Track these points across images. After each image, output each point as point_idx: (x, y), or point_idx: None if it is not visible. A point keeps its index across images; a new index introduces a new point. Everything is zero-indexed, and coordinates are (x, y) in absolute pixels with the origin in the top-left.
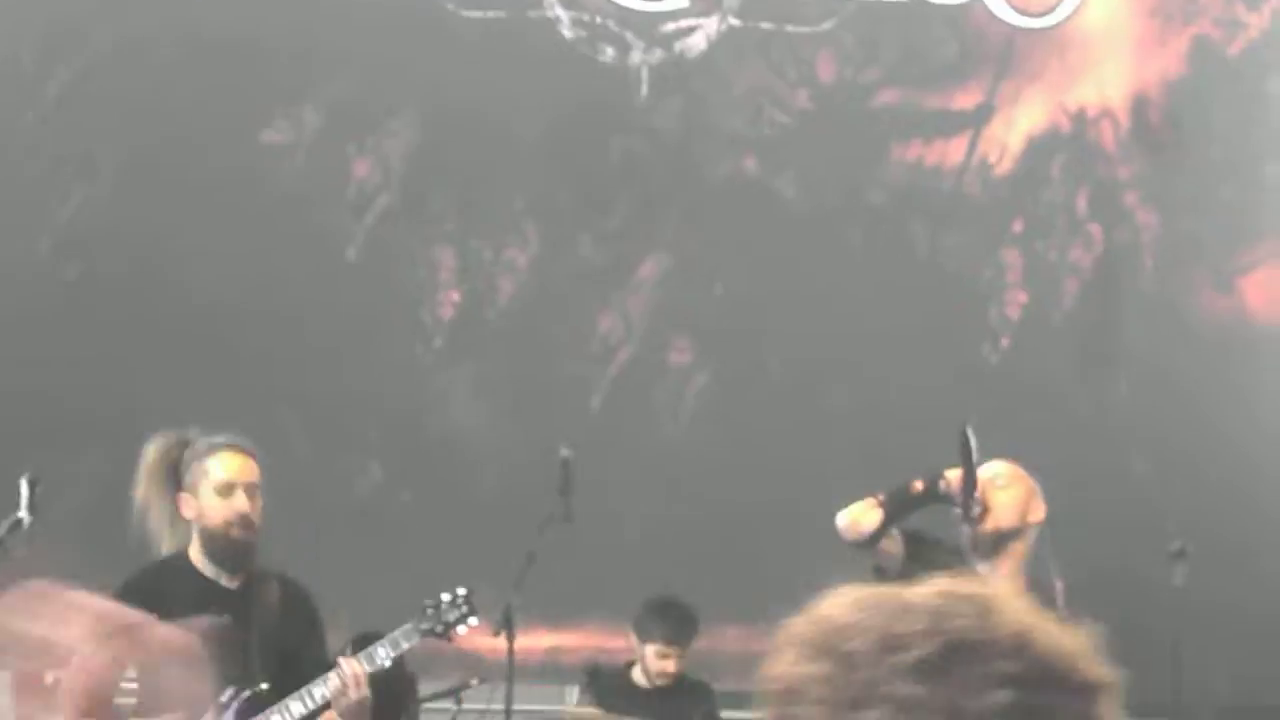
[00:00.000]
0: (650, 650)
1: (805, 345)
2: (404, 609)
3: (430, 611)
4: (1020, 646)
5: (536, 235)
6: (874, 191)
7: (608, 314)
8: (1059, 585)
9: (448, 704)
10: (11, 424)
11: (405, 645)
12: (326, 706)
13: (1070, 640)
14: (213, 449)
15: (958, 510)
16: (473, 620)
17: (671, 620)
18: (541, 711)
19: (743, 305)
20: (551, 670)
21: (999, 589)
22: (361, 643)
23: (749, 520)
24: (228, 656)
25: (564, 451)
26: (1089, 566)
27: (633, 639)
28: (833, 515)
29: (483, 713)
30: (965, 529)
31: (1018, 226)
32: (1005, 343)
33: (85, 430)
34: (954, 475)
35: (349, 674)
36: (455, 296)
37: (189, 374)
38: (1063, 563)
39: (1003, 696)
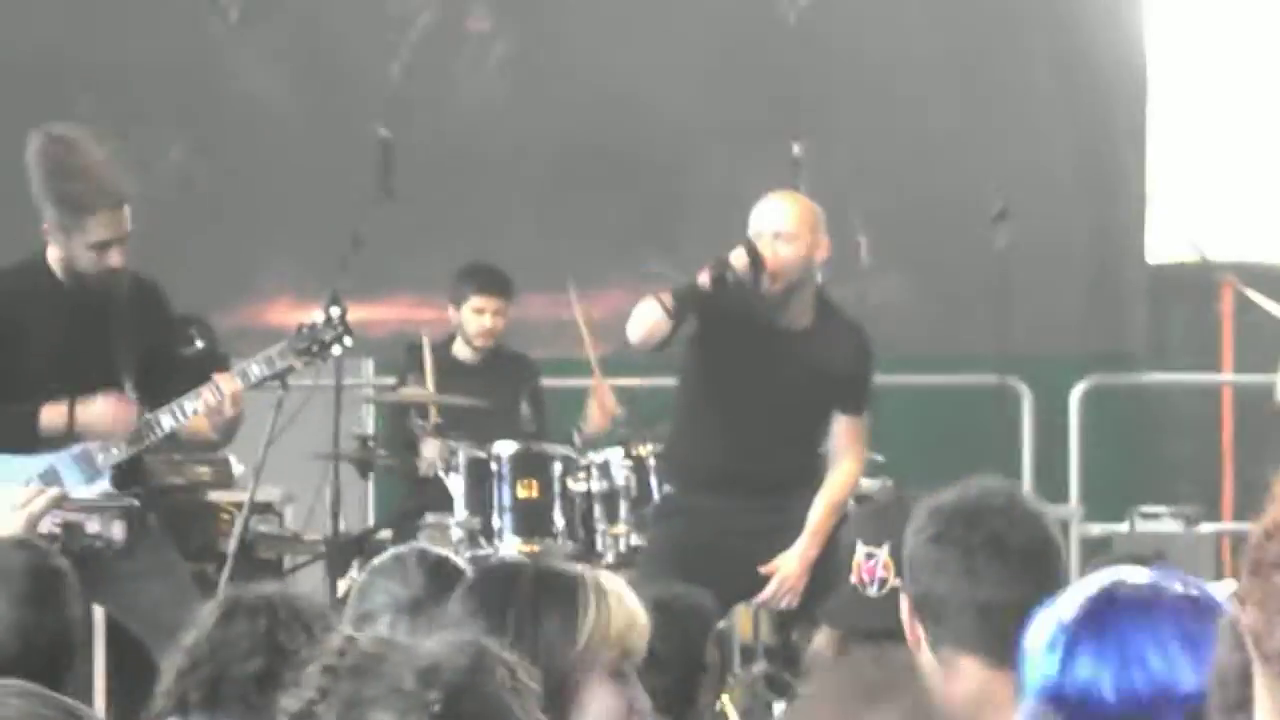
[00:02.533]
0: (468, 309)
1: (605, 8)
2: (222, 292)
3: (305, 331)
4: None
5: None
6: None
7: None
8: (861, 242)
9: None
10: None
11: (280, 365)
12: None
13: None
14: (90, 207)
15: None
16: (348, 341)
17: (485, 274)
18: (359, 386)
19: None
20: (358, 344)
21: None
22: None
23: (554, 189)
24: (87, 366)
25: (383, 132)
26: (909, 227)
27: (449, 309)
28: (634, 183)
29: (310, 389)
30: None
31: None
32: (803, 0)
33: None
34: (737, 257)
35: (225, 390)
36: None
37: None
38: (867, 220)
39: None
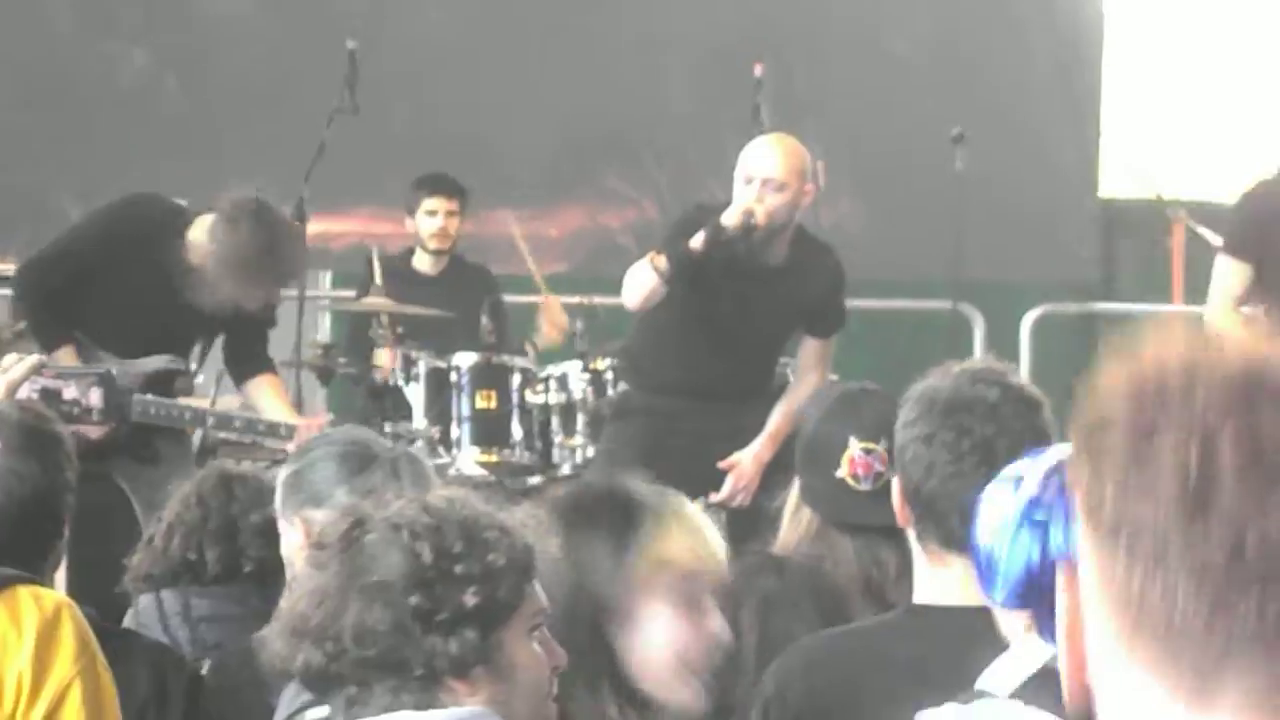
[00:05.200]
0: (421, 213)
1: None
2: (187, 202)
3: None
4: None
5: None
6: None
7: None
8: (819, 165)
9: None
10: None
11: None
12: None
13: None
14: None
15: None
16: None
17: (435, 177)
18: (319, 298)
19: None
20: (317, 256)
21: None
22: None
23: (519, 106)
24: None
25: (350, 43)
26: (866, 151)
27: (406, 220)
28: (605, 99)
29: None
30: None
31: None
32: None
33: None
34: (729, 216)
35: None
36: None
37: None
38: (825, 142)
39: None
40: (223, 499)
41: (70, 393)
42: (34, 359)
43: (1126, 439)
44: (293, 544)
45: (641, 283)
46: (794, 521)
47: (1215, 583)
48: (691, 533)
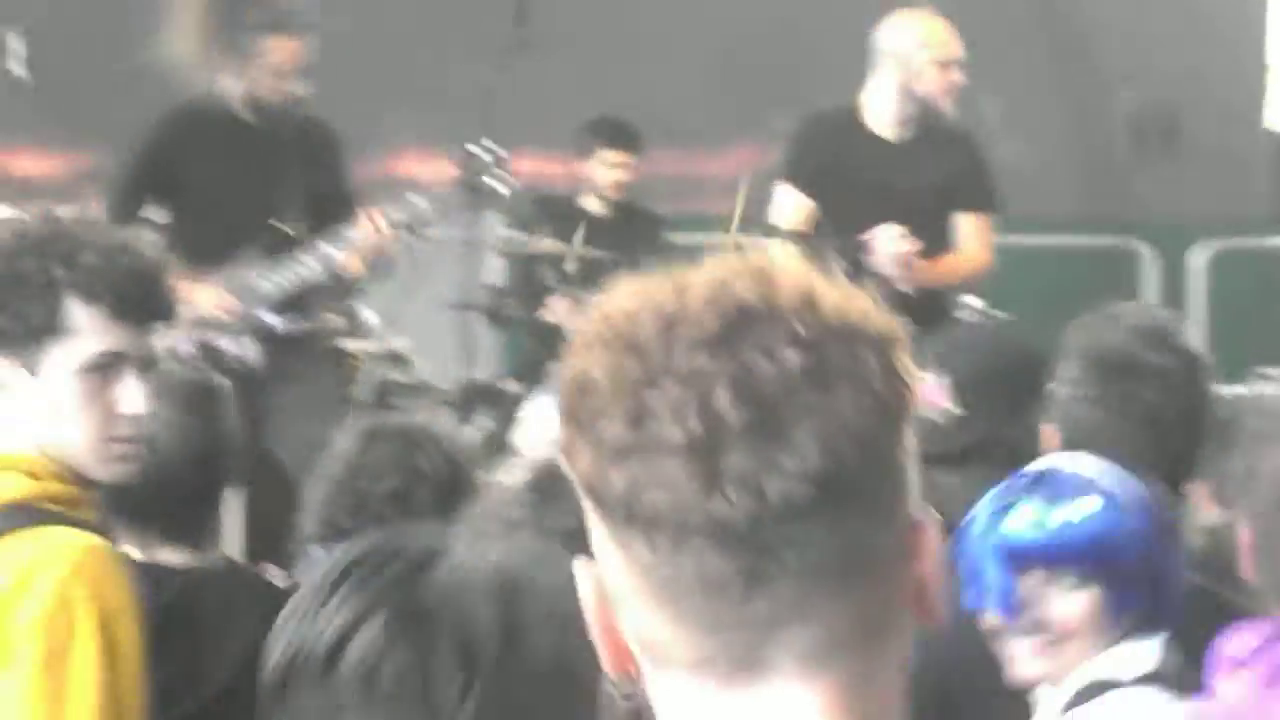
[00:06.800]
0: (596, 162)
1: None
2: (349, 141)
3: (470, 163)
4: (806, 307)
5: None
6: None
7: None
8: (991, 103)
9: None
10: None
11: (447, 201)
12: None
13: (858, 298)
14: (271, 29)
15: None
16: (507, 175)
17: (613, 126)
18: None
19: None
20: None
21: (779, 258)
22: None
23: (686, 40)
24: (256, 199)
25: None
26: (1036, 88)
27: (578, 162)
28: (767, 36)
29: (440, 240)
30: None
31: None
32: None
33: None
34: (888, 266)
35: (381, 221)
36: None
37: None
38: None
39: (792, 356)
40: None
41: (228, 346)
42: (212, 296)
43: (615, 400)
44: None
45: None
46: None
47: (745, 550)
48: None
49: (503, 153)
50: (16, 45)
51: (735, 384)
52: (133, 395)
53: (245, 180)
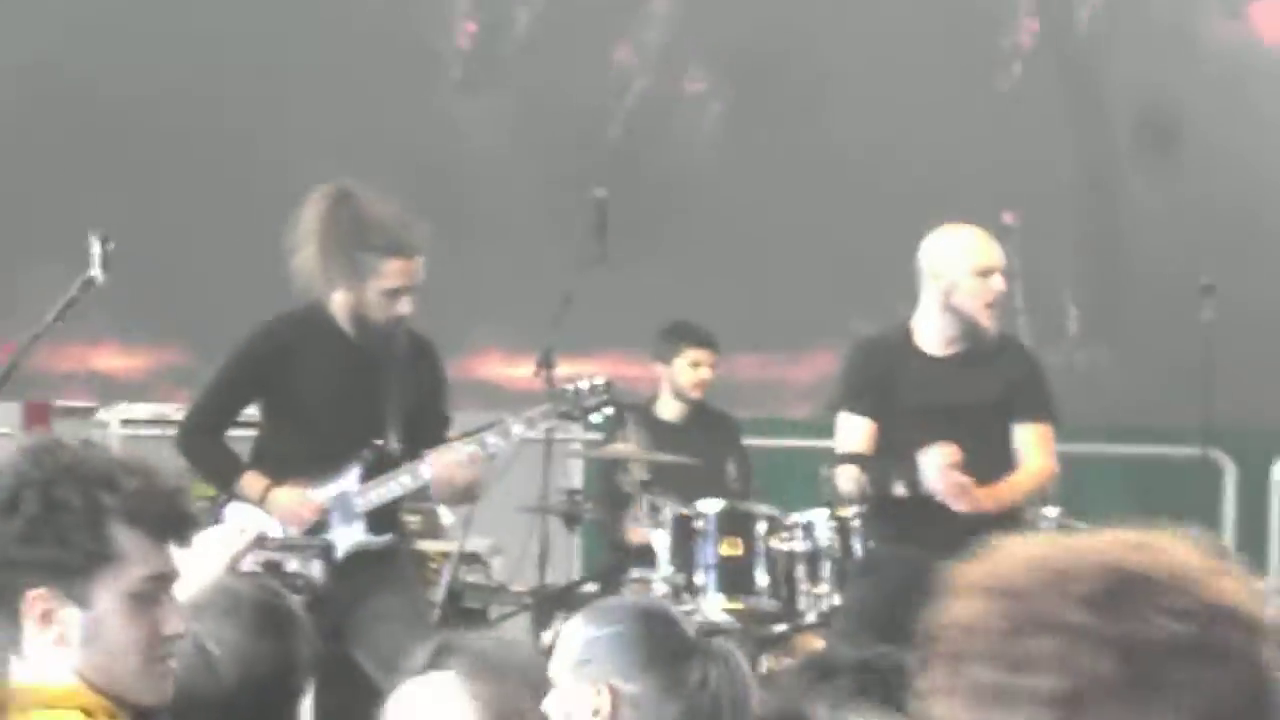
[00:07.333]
0: (682, 363)
1: (817, 71)
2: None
3: (570, 394)
4: (1190, 583)
5: None
6: None
7: (623, 44)
8: (1071, 311)
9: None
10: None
11: (541, 425)
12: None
13: (1237, 584)
14: (389, 252)
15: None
16: (608, 410)
17: (695, 328)
18: (567, 441)
19: (756, 33)
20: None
21: (1168, 537)
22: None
23: (766, 248)
24: (358, 415)
25: (598, 192)
26: (1117, 297)
27: (656, 366)
28: (846, 244)
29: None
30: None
31: None
32: (1017, 70)
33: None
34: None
35: (458, 457)
36: (471, 27)
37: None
38: (1077, 289)
39: (1178, 629)
40: None
41: (292, 565)
42: (256, 529)
43: (995, 645)
44: (580, 702)
45: (847, 489)
46: None
47: None
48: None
49: (601, 382)
50: (96, 249)
51: (1118, 644)
52: (175, 616)
53: (349, 395)
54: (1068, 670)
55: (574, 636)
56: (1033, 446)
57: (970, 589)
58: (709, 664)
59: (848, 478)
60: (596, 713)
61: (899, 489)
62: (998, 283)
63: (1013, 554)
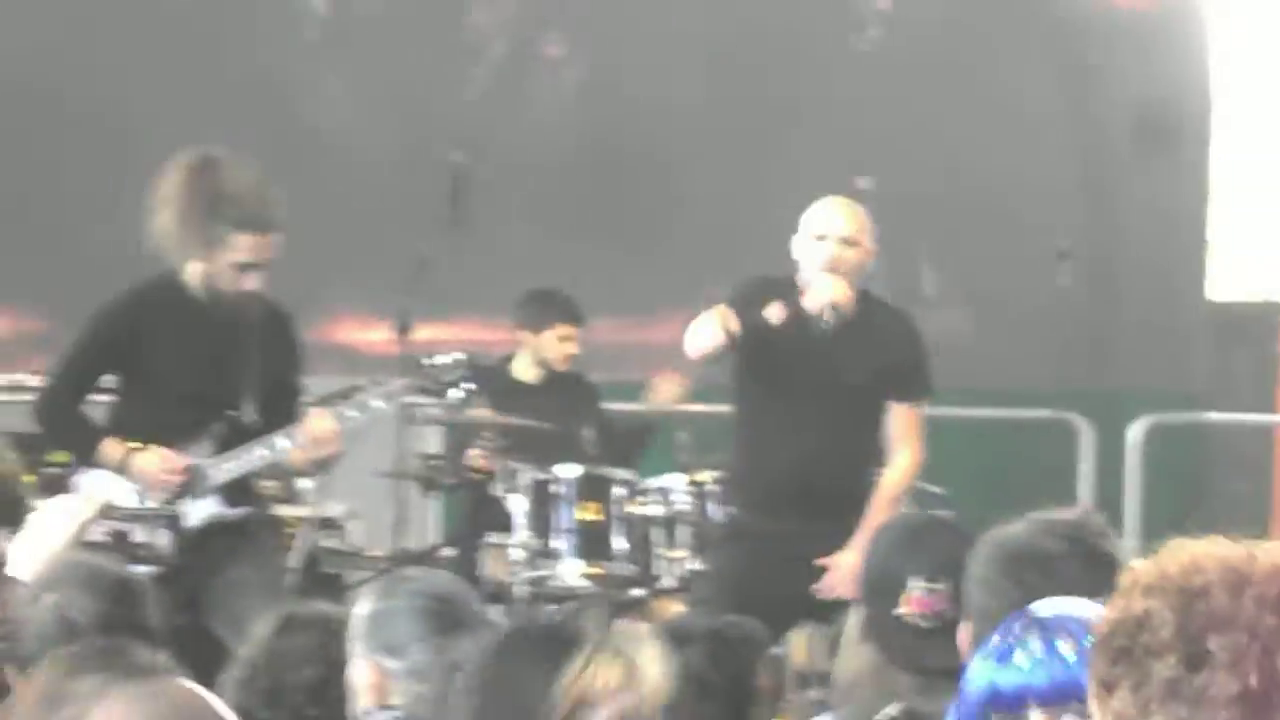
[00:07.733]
0: (551, 336)
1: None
2: (289, 309)
3: (429, 369)
4: None
5: None
6: None
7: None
8: (925, 274)
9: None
10: None
11: (398, 399)
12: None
13: None
14: (241, 226)
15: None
16: (469, 386)
17: (566, 302)
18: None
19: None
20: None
21: None
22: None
23: (616, 215)
24: (213, 384)
25: (455, 156)
26: (973, 261)
27: (520, 331)
28: (711, 206)
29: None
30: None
31: None
32: (874, 33)
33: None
34: (813, 301)
35: (321, 429)
36: None
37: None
38: (931, 253)
39: None
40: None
41: (139, 536)
42: (100, 500)
43: (1176, 642)
44: (361, 680)
45: (707, 336)
46: (855, 653)
47: None
48: (624, 671)
49: (463, 357)
50: None
51: None
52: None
53: (203, 365)
54: (1250, 670)
55: (356, 612)
56: (901, 435)
57: (1145, 587)
58: (482, 640)
59: (710, 318)
60: (372, 687)
61: (774, 315)
62: (836, 249)
63: (1185, 554)
